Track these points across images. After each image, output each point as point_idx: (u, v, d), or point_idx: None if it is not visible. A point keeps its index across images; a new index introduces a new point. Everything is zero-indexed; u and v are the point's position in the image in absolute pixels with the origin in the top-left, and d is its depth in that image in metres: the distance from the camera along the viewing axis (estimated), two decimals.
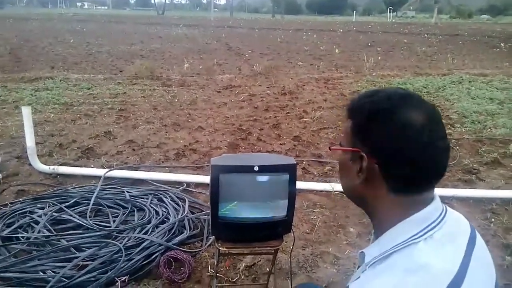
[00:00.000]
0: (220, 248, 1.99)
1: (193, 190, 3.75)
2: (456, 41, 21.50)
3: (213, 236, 2.17)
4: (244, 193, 1.97)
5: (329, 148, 0.97)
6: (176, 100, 7.15)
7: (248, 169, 1.91)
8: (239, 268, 2.67)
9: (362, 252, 0.88)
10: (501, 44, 18.30)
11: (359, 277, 0.83)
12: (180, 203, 3.29)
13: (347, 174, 0.90)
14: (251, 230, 2.00)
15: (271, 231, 2.05)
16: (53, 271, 2.41)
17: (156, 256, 2.61)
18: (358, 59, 13.12)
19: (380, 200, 0.84)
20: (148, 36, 21.77)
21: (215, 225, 2.00)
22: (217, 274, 2.53)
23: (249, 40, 21.29)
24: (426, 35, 25.62)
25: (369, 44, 19.35)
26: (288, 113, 6.56)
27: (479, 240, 0.87)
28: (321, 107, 6.91)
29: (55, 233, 2.82)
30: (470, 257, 0.79)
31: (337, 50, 15.64)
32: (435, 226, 0.80)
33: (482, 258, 0.84)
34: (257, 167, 1.89)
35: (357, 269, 0.94)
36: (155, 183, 3.78)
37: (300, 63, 12.80)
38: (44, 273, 2.41)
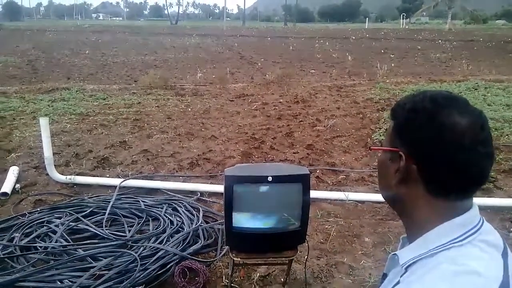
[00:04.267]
0: (234, 259, 2.00)
1: (207, 199, 3.77)
2: (471, 47, 21.27)
3: (227, 247, 2.17)
4: (257, 203, 1.98)
5: (370, 148, 0.97)
6: (189, 110, 7.22)
7: (262, 179, 1.92)
8: (254, 279, 2.66)
9: (395, 254, 0.86)
10: None
11: (398, 281, 0.80)
12: (194, 212, 3.31)
13: (385, 173, 0.89)
14: (265, 240, 2.01)
15: (285, 242, 2.05)
16: (70, 281, 2.44)
17: (171, 266, 2.63)
18: (371, 66, 13.06)
19: (418, 201, 0.82)
20: (162, 46, 22.07)
21: (229, 236, 2.01)
22: (232, 285, 2.53)
23: (261, 48, 21.41)
24: (440, 41, 25.40)
25: (382, 51, 19.26)
26: (301, 121, 6.56)
27: (509, 252, 0.85)
28: (334, 115, 6.89)
29: (72, 243, 2.86)
30: (508, 267, 0.78)
31: (349, 58, 15.59)
32: (474, 232, 0.78)
33: None
34: (271, 177, 1.90)
35: (389, 273, 0.90)
36: (169, 193, 3.81)
37: (313, 71, 12.80)
38: (62, 282, 2.44)
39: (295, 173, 2.00)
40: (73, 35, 30.14)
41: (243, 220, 1.95)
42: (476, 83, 9.31)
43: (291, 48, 21.24)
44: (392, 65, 13.56)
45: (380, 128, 6.05)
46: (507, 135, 5.67)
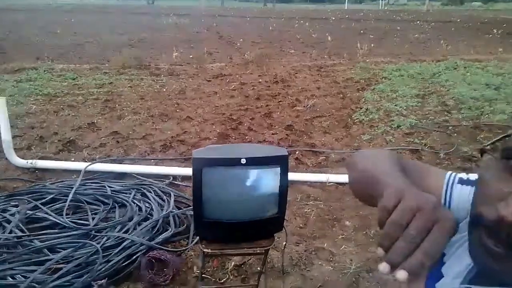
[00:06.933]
0: (204, 250, 1.79)
1: (179, 183, 3.55)
2: (449, 27, 21.29)
3: (198, 237, 1.96)
4: (230, 189, 1.77)
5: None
6: (164, 90, 6.90)
7: (235, 162, 1.70)
8: (228, 268, 2.48)
9: None
10: (494, 30, 18.13)
11: None
12: (165, 198, 3.09)
13: None
14: (239, 229, 1.80)
15: (261, 230, 1.85)
16: (23, 276, 2.20)
17: (138, 257, 2.41)
18: (351, 47, 12.86)
19: None
20: (138, 26, 21.27)
21: (198, 225, 1.80)
22: (204, 275, 2.34)
23: (240, 29, 20.91)
24: (418, 22, 25.35)
25: (362, 31, 19.08)
26: (280, 101, 6.35)
27: None
28: (314, 95, 6.69)
29: (27, 233, 2.61)
30: None
31: (329, 38, 15.37)
32: None
33: None
34: (245, 160, 1.68)
35: None
36: (139, 177, 3.56)
37: (292, 51, 12.53)
38: (13, 278, 2.20)
39: (272, 154, 1.79)
40: (44, 15, 28.80)
41: (214, 207, 1.74)
42: (455, 63, 9.26)
43: (270, 28, 20.83)
44: (372, 45, 13.40)
45: (360, 108, 5.90)
46: (487, 114, 5.60)
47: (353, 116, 5.60)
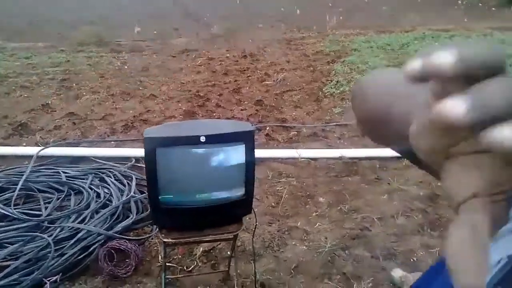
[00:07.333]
0: (164, 240, 1.61)
1: (142, 165, 3.30)
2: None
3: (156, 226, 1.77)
4: (189, 171, 1.57)
5: None
6: (126, 67, 6.51)
7: (193, 141, 1.51)
8: (196, 254, 2.31)
9: None
10: (459, 1, 18.32)
11: None
12: (126, 182, 2.86)
13: None
14: (202, 215, 1.62)
15: (228, 214, 1.68)
16: None
17: (95, 248, 2.20)
18: (320, 20, 12.68)
19: None
20: (98, 1, 20.24)
21: (155, 213, 1.61)
22: (170, 263, 2.16)
23: (207, 2, 20.24)
24: None
25: (330, 4, 18.85)
26: (249, 76, 6.11)
27: None
28: (284, 69, 6.49)
29: None
30: None
31: (298, 11, 15.08)
32: None
33: None
34: (204, 138, 1.49)
35: None
36: (98, 161, 3.30)
37: (261, 25, 12.20)
38: None
39: (235, 130, 1.60)
40: None
41: (171, 192, 1.55)
42: (424, 33, 9.25)
43: (238, 2, 20.27)
44: (341, 17, 13.23)
45: (331, 81, 5.75)
46: None
47: (323, 89, 5.45)
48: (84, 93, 5.14)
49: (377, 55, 7.22)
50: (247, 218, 2.24)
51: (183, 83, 5.74)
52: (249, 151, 1.57)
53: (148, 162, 1.48)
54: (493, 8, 14.55)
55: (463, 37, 8.82)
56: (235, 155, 1.57)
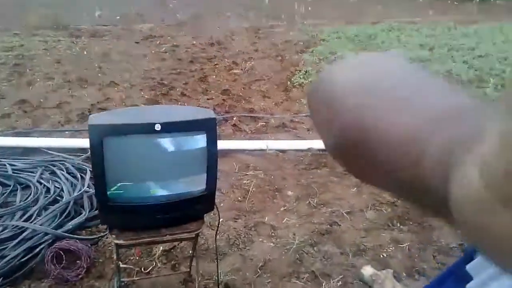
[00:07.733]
0: (116, 242, 1.43)
1: None
2: None
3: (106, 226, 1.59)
4: (143, 164, 1.40)
5: None
6: (85, 53, 6.15)
7: (147, 129, 1.33)
8: (155, 254, 2.13)
9: None
10: None
11: None
12: (79, 175, 2.63)
13: None
14: (158, 213, 1.45)
15: (187, 212, 1.52)
16: None
17: (42, 249, 1.98)
18: (288, 9, 12.57)
19: None
20: None
21: (104, 211, 1.42)
22: (125, 266, 1.98)
23: None
24: None
25: None
26: (216, 64, 5.91)
27: None
28: (252, 57, 6.32)
29: None
30: None
31: (267, 0, 14.90)
32: None
33: None
34: (159, 126, 1.31)
35: None
36: (50, 152, 3.04)
37: (229, 13, 11.94)
38: None
39: (195, 118, 1.43)
40: None
41: (122, 188, 1.37)
42: (390, 25, 9.32)
43: None
44: (309, 8, 13.18)
45: (300, 71, 5.64)
46: None
47: (292, 79, 5.33)
48: (38, 79, 4.79)
49: (345, 46, 7.18)
50: (211, 214, 2.08)
51: (147, 70, 5.48)
52: (211, 141, 1.41)
53: (94, 154, 1.29)
54: (456, 2, 14.94)
55: (428, 29, 8.94)
56: (195, 145, 1.41)
